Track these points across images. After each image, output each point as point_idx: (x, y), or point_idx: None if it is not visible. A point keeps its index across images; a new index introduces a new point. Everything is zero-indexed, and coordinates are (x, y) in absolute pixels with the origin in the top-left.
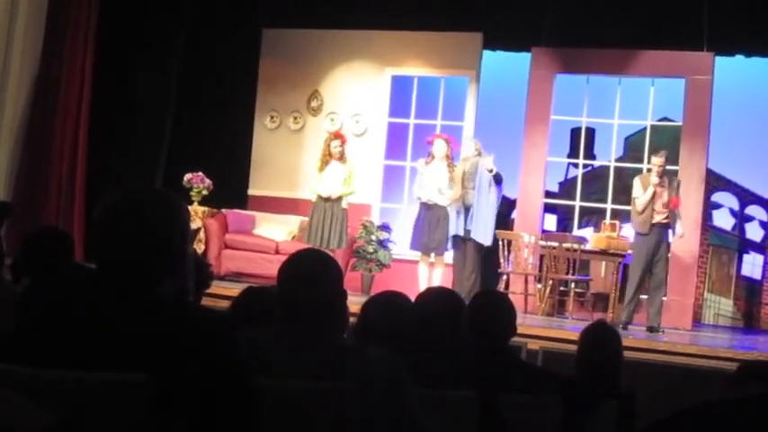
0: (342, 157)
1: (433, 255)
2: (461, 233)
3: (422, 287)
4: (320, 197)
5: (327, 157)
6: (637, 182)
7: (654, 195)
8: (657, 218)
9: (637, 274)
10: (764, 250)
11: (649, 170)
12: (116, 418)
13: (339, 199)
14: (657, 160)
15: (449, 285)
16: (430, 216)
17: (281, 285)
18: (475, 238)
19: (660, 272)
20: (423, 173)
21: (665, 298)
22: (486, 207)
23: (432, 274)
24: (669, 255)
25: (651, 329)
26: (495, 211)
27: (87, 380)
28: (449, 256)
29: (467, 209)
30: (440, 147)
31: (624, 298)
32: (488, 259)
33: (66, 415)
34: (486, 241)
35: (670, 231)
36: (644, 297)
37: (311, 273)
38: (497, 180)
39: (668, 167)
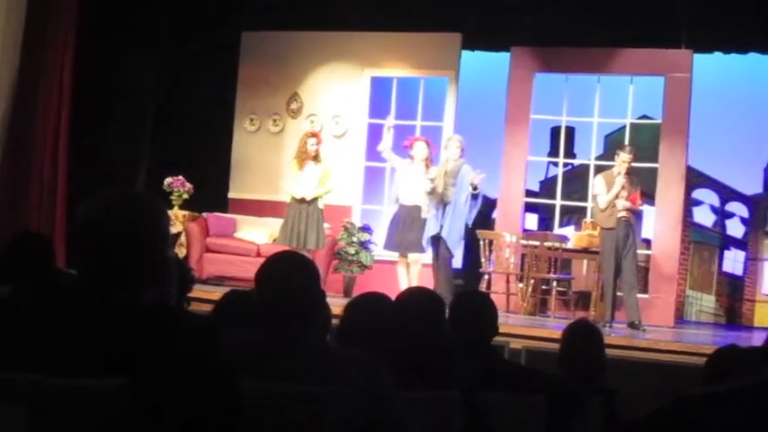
0: (317, 157)
1: (409, 255)
2: (438, 231)
3: (403, 288)
4: (295, 198)
5: (304, 155)
6: (600, 179)
7: (618, 193)
8: (621, 213)
9: (609, 270)
10: (746, 246)
11: (612, 167)
12: (100, 425)
13: (315, 199)
14: (627, 157)
15: (427, 285)
16: (404, 216)
17: (258, 289)
18: (446, 238)
19: (629, 266)
20: (403, 174)
21: (646, 295)
22: (463, 213)
23: (410, 274)
24: (636, 250)
25: (632, 325)
26: (464, 221)
27: (70, 386)
28: (426, 256)
29: (444, 206)
30: (420, 149)
31: (604, 296)
32: (470, 259)
33: (50, 421)
34: (455, 251)
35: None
36: (621, 294)
37: (287, 275)
38: (475, 197)
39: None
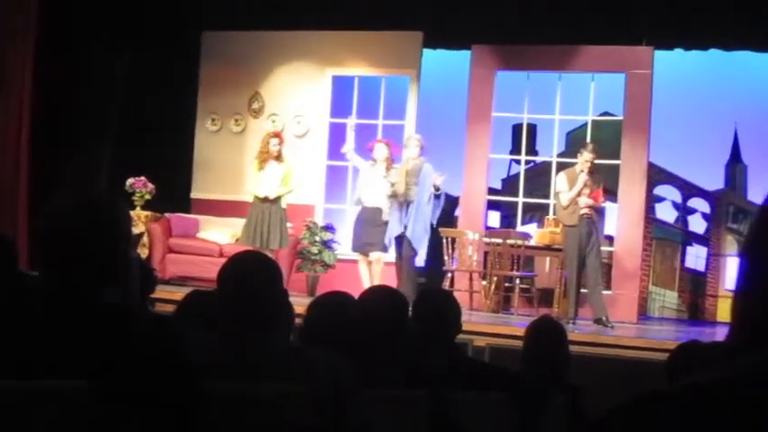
0: (279, 157)
1: (370, 254)
2: (402, 230)
3: (366, 287)
4: (258, 198)
5: (265, 155)
6: (562, 177)
7: (580, 190)
8: (583, 211)
9: (573, 267)
10: (708, 242)
11: (574, 165)
12: (64, 426)
13: (278, 199)
14: (589, 156)
15: (390, 283)
16: (366, 217)
17: (220, 289)
18: (410, 237)
19: (593, 263)
20: (365, 176)
21: (609, 292)
22: (426, 212)
23: (371, 273)
24: (600, 247)
25: (599, 322)
26: (428, 222)
27: (33, 388)
28: (388, 255)
29: (408, 204)
30: (381, 150)
31: (567, 293)
32: (433, 257)
33: (13, 424)
34: (421, 250)
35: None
36: (585, 291)
37: (249, 275)
38: (438, 197)
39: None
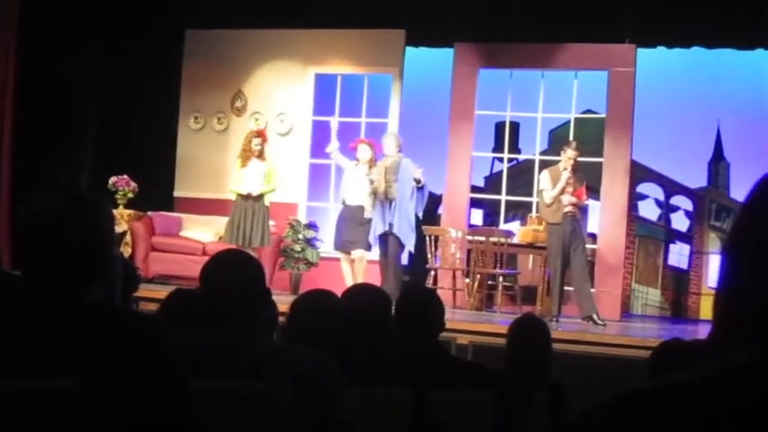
0: (261, 155)
1: (352, 252)
2: (387, 228)
3: (348, 285)
4: (240, 196)
5: (248, 153)
6: (546, 175)
7: (563, 188)
8: (567, 209)
9: (557, 265)
10: (691, 240)
11: (558, 162)
12: (47, 426)
13: (260, 197)
14: (573, 153)
15: (373, 281)
16: (348, 214)
17: (203, 287)
18: (397, 234)
19: (579, 261)
20: (349, 176)
21: (592, 289)
22: (409, 208)
23: (354, 271)
24: (585, 245)
25: (590, 319)
26: (413, 217)
27: (17, 388)
28: (371, 253)
29: (390, 202)
30: (364, 151)
31: (550, 291)
32: (416, 255)
33: None
34: (408, 244)
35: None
36: (570, 289)
37: (231, 273)
38: (421, 189)
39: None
